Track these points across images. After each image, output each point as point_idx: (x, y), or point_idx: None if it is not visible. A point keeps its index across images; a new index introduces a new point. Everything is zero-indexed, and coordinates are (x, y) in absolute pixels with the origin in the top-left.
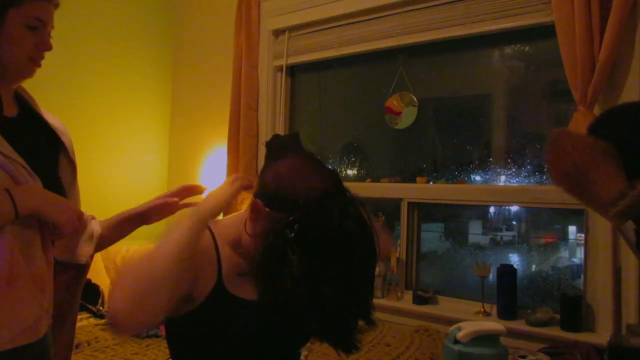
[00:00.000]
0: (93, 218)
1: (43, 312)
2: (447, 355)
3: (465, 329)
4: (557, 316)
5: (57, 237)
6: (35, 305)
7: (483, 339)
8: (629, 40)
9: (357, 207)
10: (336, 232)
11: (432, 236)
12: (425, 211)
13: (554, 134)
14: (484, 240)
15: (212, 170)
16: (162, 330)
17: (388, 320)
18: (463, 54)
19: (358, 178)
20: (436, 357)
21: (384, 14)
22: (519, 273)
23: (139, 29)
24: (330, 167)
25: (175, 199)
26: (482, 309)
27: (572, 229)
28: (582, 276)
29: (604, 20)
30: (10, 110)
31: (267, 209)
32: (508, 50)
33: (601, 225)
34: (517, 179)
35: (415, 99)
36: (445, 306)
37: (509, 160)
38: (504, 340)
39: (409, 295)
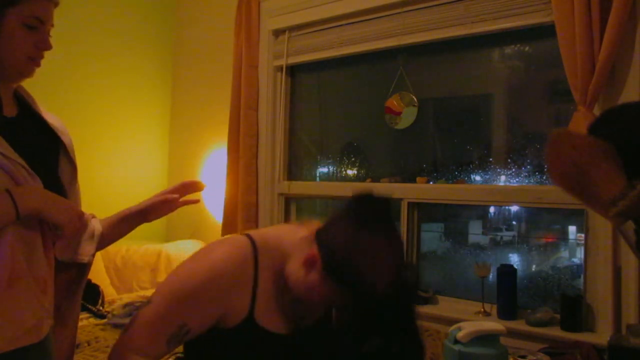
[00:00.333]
0: (93, 217)
1: (44, 313)
2: (447, 355)
3: (465, 329)
4: (557, 316)
5: (58, 237)
6: (36, 306)
7: (483, 339)
8: (629, 40)
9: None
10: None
11: (432, 236)
12: (425, 211)
13: (554, 134)
14: (484, 240)
15: (212, 170)
16: None
17: None
18: (463, 54)
19: (358, 178)
20: (436, 357)
21: (384, 14)
22: (519, 273)
23: (139, 29)
24: (405, 257)
25: (175, 196)
26: (482, 309)
27: (572, 229)
28: (582, 276)
29: (604, 20)
30: (10, 110)
31: (324, 271)
32: (508, 50)
33: (601, 225)
34: (517, 179)
35: (415, 99)
36: (445, 306)
37: (509, 160)
38: (504, 340)
39: None
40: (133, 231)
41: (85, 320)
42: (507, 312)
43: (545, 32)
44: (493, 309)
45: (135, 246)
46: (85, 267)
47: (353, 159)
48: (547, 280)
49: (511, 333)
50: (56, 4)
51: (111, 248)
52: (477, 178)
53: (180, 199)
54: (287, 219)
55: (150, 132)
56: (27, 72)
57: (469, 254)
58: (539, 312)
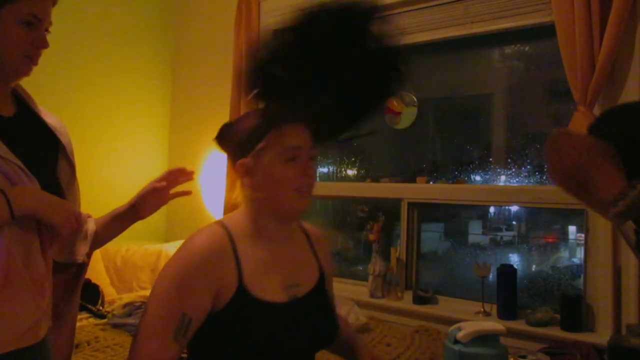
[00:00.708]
0: (89, 216)
1: (42, 315)
2: (447, 355)
3: (465, 329)
4: (557, 316)
5: (55, 238)
6: (34, 307)
7: (483, 339)
8: (629, 40)
9: None
10: None
11: (432, 236)
12: (425, 211)
13: (554, 134)
14: (484, 240)
15: (212, 170)
16: None
17: (388, 320)
18: (463, 54)
19: (358, 178)
20: (436, 357)
21: (384, 14)
22: (519, 273)
23: (139, 28)
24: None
25: (163, 184)
26: (482, 309)
27: (572, 229)
28: (582, 276)
29: (604, 20)
30: (7, 110)
31: (244, 159)
32: (508, 50)
33: (601, 225)
34: (517, 179)
35: (415, 99)
36: (445, 306)
37: (509, 160)
38: (504, 340)
39: (409, 295)
40: (133, 231)
41: (85, 320)
42: (507, 312)
43: (545, 32)
44: (493, 309)
45: (135, 246)
46: (82, 267)
47: (353, 159)
48: (547, 280)
49: (511, 333)
50: (54, 2)
51: (111, 248)
52: (477, 178)
53: (171, 191)
54: None
55: (150, 132)
56: (24, 71)
57: (469, 254)
58: (539, 312)
